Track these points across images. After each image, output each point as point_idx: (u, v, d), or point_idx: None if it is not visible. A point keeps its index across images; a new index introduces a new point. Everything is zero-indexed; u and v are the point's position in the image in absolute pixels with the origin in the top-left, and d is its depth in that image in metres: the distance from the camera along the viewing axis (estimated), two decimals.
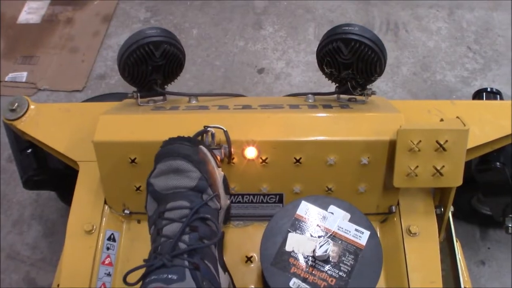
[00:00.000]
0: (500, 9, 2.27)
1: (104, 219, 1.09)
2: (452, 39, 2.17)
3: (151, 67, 1.09)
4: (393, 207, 1.06)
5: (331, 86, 1.17)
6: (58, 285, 1.04)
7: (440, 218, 1.09)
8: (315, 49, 1.11)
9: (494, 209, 1.45)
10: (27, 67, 2.20)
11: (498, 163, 1.26)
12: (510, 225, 1.43)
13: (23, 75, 2.17)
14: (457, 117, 1.00)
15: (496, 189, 1.33)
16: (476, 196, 1.51)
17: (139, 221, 1.13)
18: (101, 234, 1.07)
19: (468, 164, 1.01)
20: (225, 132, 0.99)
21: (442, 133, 0.95)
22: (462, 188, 1.02)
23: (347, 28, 1.04)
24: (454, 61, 2.10)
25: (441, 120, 1.04)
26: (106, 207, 1.10)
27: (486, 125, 1.15)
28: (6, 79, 2.16)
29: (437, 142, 0.95)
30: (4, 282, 1.65)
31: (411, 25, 2.22)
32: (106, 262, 1.06)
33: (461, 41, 2.17)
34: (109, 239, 1.09)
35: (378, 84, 2.00)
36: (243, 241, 1.09)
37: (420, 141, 0.95)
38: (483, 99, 1.42)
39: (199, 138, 0.99)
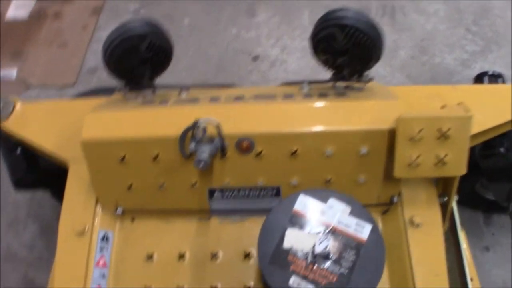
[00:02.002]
0: None
1: (96, 219, 1.06)
2: (450, 21, 2.12)
3: (137, 60, 1.05)
4: (395, 198, 1.03)
5: (328, 73, 1.12)
6: None
7: (444, 207, 1.05)
8: None
9: (499, 195, 1.42)
10: (16, 64, 2.15)
11: (502, 149, 1.23)
12: None
13: (12, 73, 2.13)
14: (460, 103, 0.96)
15: (500, 175, 1.30)
16: (480, 181, 1.48)
17: (132, 220, 1.10)
18: (94, 235, 1.04)
19: (471, 150, 0.97)
20: (217, 126, 0.95)
21: (444, 120, 0.91)
22: (465, 174, 0.98)
23: (341, 13, 0.99)
24: (453, 44, 2.05)
25: (443, 107, 1.00)
26: (98, 206, 1.07)
27: (489, 110, 1.11)
28: None
29: (439, 130, 0.91)
30: (3, 283, 1.62)
31: (408, 7, 2.17)
32: (100, 263, 1.03)
33: (459, 22, 2.12)
34: (102, 239, 1.05)
35: (376, 69, 1.95)
36: (241, 237, 1.06)
37: (422, 129, 0.91)
38: (484, 82, 1.38)
39: (189, 133, 0.95)
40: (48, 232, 1.73)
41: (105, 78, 2.05)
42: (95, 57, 2.14)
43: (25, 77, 2.10)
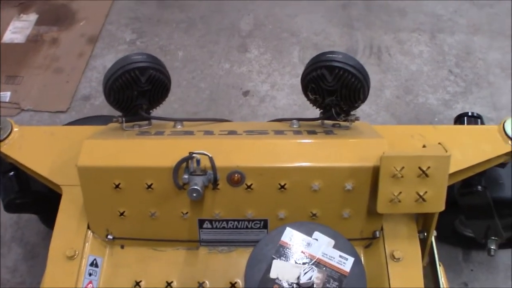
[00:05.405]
0: (480, 33, 2.33)
1: (87, 244, 1.08)
2: (434, 62, 2.22)
3: (137, 92, 1.10)
4: (377, 232, 1.07)
5: (316, 110, 1.18)
6: None
7: (424, 242, 1.10)
8: (300, 72, 1.12)
9: (477, 232, 1.46)
10: (10, 86, 2.18)
11: (479, 187, 1.27)
12: (492, 247, 1.44)
13: (6, 95, 2.15)
14: (439, 143, 1.01)
15: (478, 212, 1.34)
16: (458, 218, 1.53)
17: (122, 247, 1.12)
18: (84, 260, 1.06)
19: (450, 188, 1.02)
20: (210, 159, 0.99)
21: (424, 159, 0.96)
22: (445, 211, 1.03)
23: (331, 55, 1.05)
24: (436, 84, 2.14)
25: (424, 146, 1.06)
26: (89, 232, 1.09)
27: (467, 149, 1.17)
28: None
29: (419, 168, 0.96)
30: None
31: (394, 49, 2.27)
32: None
33: (442, 64, 2.21)
34: (91, 264, 1.07)
35: (362, 107, 2.01)
36: (228, 267, 1.09)
37: (403, 167, 0.96)
38: (464, 123, 1.44)
39: (184, 164, 0.99)
40: (32, 256, 1.72)
41: (98, 106, 2.10)
42: (89, 84, 2.18)
43: (18, 100, 2.12)
